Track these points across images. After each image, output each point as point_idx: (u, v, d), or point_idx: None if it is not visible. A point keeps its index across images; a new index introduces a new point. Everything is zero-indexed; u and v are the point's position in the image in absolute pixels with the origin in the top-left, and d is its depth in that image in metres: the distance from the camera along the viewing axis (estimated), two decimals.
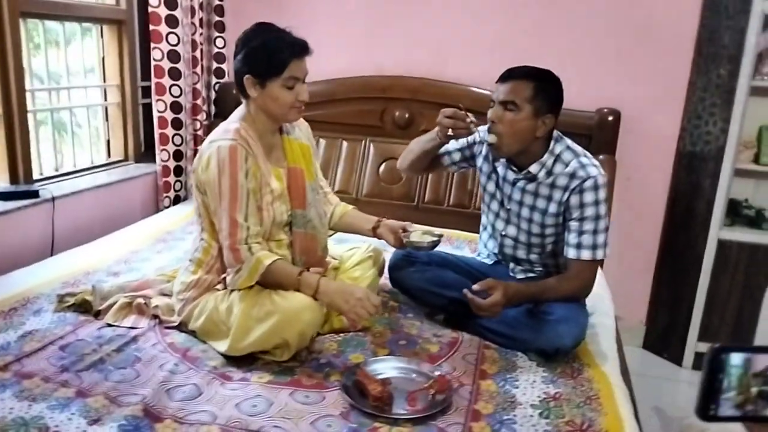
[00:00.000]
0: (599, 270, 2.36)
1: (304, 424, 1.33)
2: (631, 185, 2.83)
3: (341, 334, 1.78)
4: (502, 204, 1.95)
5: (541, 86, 1.75)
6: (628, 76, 2.77)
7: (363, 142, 2.97)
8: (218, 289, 1.70)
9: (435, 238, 1.85)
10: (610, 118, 2.69)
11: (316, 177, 1.92)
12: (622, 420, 1.46)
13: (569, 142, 1.86)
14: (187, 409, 1.36)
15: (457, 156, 2.07)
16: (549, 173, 1.82)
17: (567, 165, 1.80)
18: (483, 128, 1.93)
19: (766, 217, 2.73)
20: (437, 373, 1.56)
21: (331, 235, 2.01)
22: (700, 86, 2.68)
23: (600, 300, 2.13)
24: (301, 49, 1.69)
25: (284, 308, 1.54)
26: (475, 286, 1.72)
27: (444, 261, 2.02)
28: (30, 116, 2.47)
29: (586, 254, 1.79)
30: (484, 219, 2.09)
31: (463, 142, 2.02)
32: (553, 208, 1.82)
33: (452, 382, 1.53)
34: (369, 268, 1.98)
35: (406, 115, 2.94)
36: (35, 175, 2.52)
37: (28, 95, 2.43)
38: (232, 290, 1.67)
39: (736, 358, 0.72)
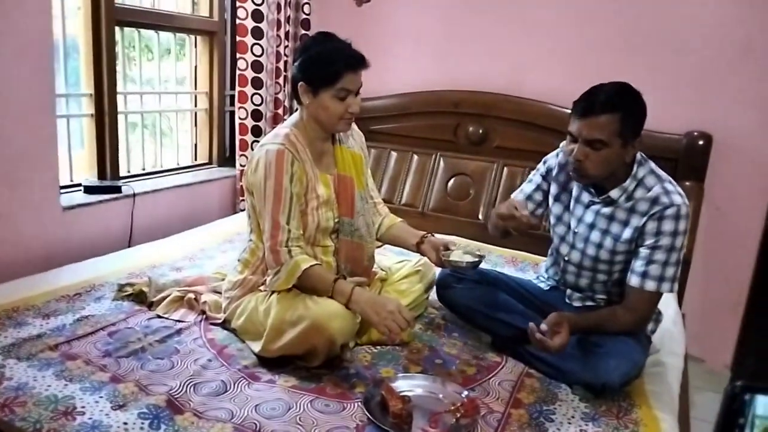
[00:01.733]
0: (674, 304, 2.19)
1: None
2: (720, 215, 2.60)
3: (378, 347, 1.75)
4: (569, 227, 1.84)
5: (627, 114, 1.60)
6: (722, 97, 2.55)
7: (433, 156, 2.94)
8: (261, 290, 1.74)
9: (475, 259, 1.76)
10: (701, 143, 2.50)
11: (366, 186, 1.91)
12: None
13: (653, 165, 1.72)
14: (208, 405, 1.39)
15: (538, 196, 1.91)
16: (629, 198, 1.69)
17: (649, 190, 1.66)
18: (554, 153, 1.85)
19: None
20: (465, 395, 1.49)
21: (379, 246, 1.99)
22: None
23: (670, 337, 1.96)
24: (356, 62, 1.70)
25: (315, 314, 1.54)
26: (543, 326, 1.59)
27: (495, 280, 1.94)
28: (122, 117, 2.66)
29: (650, 285, 1.65)
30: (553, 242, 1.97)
31: (538, 178, 1.91)
32: (627, 233, 1.69)
33: (480, 408, 1.46)
34: (416, 282, 1.96)
35: (480, 131, 2.88)
36: (123, 173, 2.71)
37: (120, 98, 2.62)
38: (272, 292, 1.70)
39: (763, 403, 0.53)
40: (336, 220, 1.78)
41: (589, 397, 1.58)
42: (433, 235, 1.91)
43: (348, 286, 1.60)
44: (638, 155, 1.70)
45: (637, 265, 1.67)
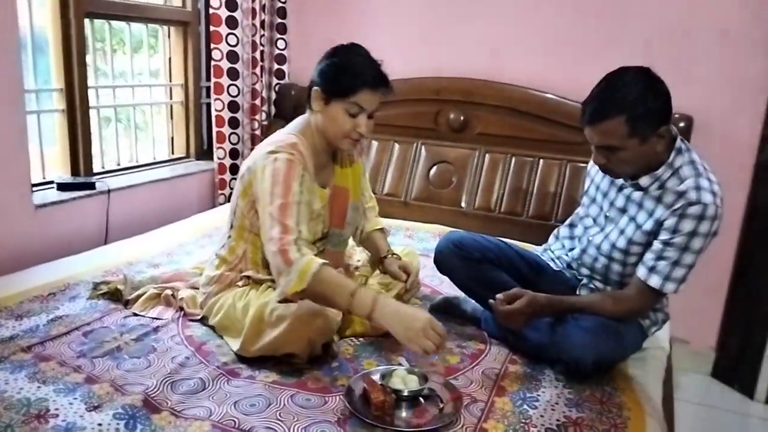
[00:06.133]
0: None
1: (297, 428, 1.29)
2: None
3: (361, 339, 1.73)
4: (601, 209, 1.80)
5: (634, 114, 1.50)
6: (702, 80, 2.55)
7: (415, 144, 2.91)
8: (239, 286, 1.70)
9: (419, 387, 1.42)
10: (682, 124, 2.49)
11: (362, 195, 1.87)
12: None
13: (695, 156, 1.63)
14: (186, 403, 1.36)
15: (592, 190, 1.88)
16: (661, 187, 1.62)
17: (682, 182, 1.58)
18: None
19: None
20: (449, 384, 1.47)
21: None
22: None
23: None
24: (378, 81, 1.61)
25: (295, 314, 1.48)
26: (499, 296, 1.63)
27: (500, 259, 1.85)
28: (94, 112, 2.60)
29: (655, 280, 1.60)
30: (575, 218, 1.93)
31: (587, 178, 1.91)
32: (649, 225, 1.63)
33: (463, 397, 1.44)
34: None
35: (461, 118, 2.85)
36: (97, 169, 2.65)
37: (92, 92, 2.56)
38: (250, 288, 1.67)
39: None
40: (325, 231, 1.74)
41: (570, 380, 1.57)
42: (394, 256, 1.85)
43: (369, 297, 1.44)
44: (679, 143, 1.62)
45: (648, 258, 1.62)
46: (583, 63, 2.67)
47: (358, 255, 2.04)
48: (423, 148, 2.90)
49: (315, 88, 1.64)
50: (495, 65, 2.84)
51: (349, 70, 1.60)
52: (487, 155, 2.79)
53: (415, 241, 2.54)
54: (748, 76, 2.49)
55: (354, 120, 1.62)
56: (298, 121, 1.74)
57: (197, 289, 1.85)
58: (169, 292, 1.84)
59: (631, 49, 2.59)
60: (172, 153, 3.16)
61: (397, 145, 2.94)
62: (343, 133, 1.63)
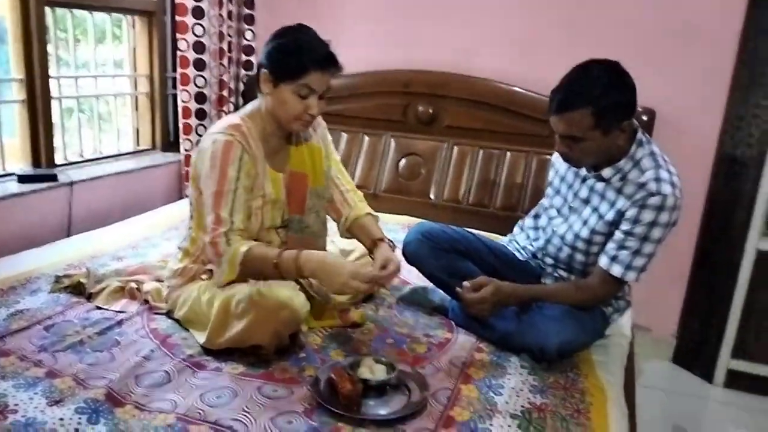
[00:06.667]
0: None
1: (264, 419, 1.29)
2: None
3: (330, 329, 1.73)
4: (565, 200, 1.83)
5: (600, 106, 1.53)
6: (665, 74, 2.60)
7: (384, 137, 2.92)
8: (203, 279, 1.68)
9: (387, 376, 1.43)
10: (644, 118, 2.53)
11: (325, 181, 1.82)
12: None
13: (656, 148, 1.68)
14: (151, 396, 1.34)
15: (556, 182, 1.91)
16: (623, 178, 1.66)
17: (643, 173, 1.62)
18: None
19: None
20: (416, 373, 1.49)
21: (349, 238, 1.91)
22: (743, 85, 2.49)
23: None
24: (327, 62, 1.59)
25: (261, 307, 1.47)
26: (465, 283, 1.66)
27: (467, 249, 1.88)
28: (56, 103, 2.54)
29: (616, 270, 1.65)
30: (539, 209, 1.97)
31: (552, 170, 1.93)
32: (611, 215, 1.67)
33: (430, 385, 1.45)
34: (370, 263, 1.90)
35: (430, 110, 2.86)
36: (60, 161, 2.59)
37: (54, 82, 2.50)
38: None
39: None
40: (285, 218, 1.72)
41: (536, 368, 1.60)
42: (388, 241, 1.79)
43: (291, 258, 1.52)
44: (640, 135, 1.66)
45: (609, 248, 1.67)
46: (550, 57, 2.69)
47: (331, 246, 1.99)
48: (392, 140, 2.90)
49: (263, 70, 1.61)
50: (464, 59, 2.85)
51: (297, 52, 1.57)
52: (455, 147, 2.81)
53: (385, 233, 2.52)
54: (710, 70, 2.55)
55: (304, 102, 1.60)
56: (248, 106, 1.72)
57: (162, 281, 1.83)
58: (133, 285, 1.81)
59: (597, 42, 2.63)
60: (138, 144, 3.10)
61: (366, 138, 2.94)
62: (293, 115, 1.61)
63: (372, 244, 1.78)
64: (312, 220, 1.77)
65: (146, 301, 1.78)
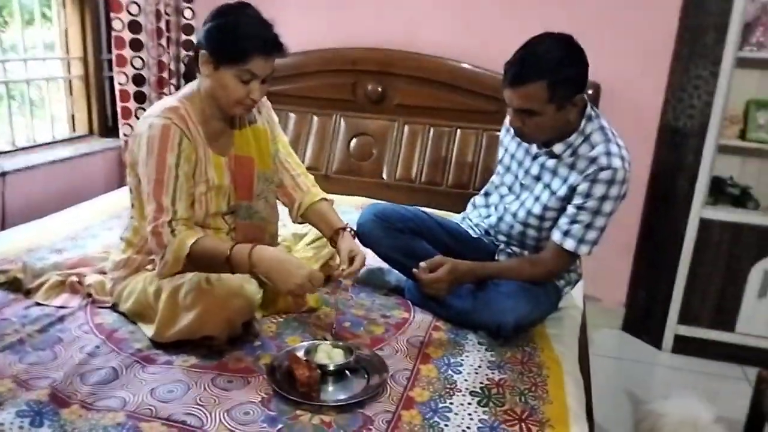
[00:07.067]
0: None
1: (219, 411, 1.25)
2: None
3: (284, 316, 1.69)
4: (516, 177, 1.83)
5: (555, 79, 1.53)
6: (607, 46, 2.62)
7: (334, 117, 2.86)
8: (148, 270, 1.61)
9: (345, 361, 1.41)
10: (590, 92, 2.56)
11: (273, 164, 1.75)
12: (568, 409, 1.38)
13: (604, 122, 1.68)
14: (98, 395, 1.28)
15: (507, 159, 1.89)
16: (573, 153, 1.66)
17: (593, 148, 1.63)
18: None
19: (752, 195, 2.61)
20: (374, 356, 1.47)
21: (301, 223, 1.86)
22: (684, 57, 2.55)
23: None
24: (271, 47, 1.52)
25: (211, 296, 1.42)
26: (422, 264, 1.64)
27: (420, 228, 1.87)
28: None
29: (569, 243, 1.67)
30: (490, 187, 1.96)
31: (500, 146, 1.91)
32: (563, 191, 1.67)
33: (389, 366, 1.44)
34: (325, 246, 1.87)
35: (379, 89, 2.82)
36: None
37: None
38: None
39: None
40: (232, 204, 1.65)
41: (493, 344, 1.61)
42: (349, 230, 1.73)
43: (244, 253, 1.45)
44: (589, 110, 1.66)
45: (562, 222, 1.68)
46: (497, 32, 2.70)
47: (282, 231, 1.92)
48: (342, 120, 2.85)
49: (202, 51, 1.52)
50: (411, 35, 2.82)
51: (240, 35, 1.49)
52: (406, 126, 2.78)
53: (340, 215, 2.50)
54: (651, 42, 2.60)
55: (246, 86, 1.53)
56: (186, 87, 1.64)
57: (105, 274, 1.74)
58: (74, 278, 1.72)
59: (538, 15, 2.64)
60: (74, 131, 2.95)
61: (315, 118, 2.88)
62: (235, 99, 1.54)
63: (333, 232, 1.73)
64: (261, 205, 1.70)
65: (89, 295, 1.70)
